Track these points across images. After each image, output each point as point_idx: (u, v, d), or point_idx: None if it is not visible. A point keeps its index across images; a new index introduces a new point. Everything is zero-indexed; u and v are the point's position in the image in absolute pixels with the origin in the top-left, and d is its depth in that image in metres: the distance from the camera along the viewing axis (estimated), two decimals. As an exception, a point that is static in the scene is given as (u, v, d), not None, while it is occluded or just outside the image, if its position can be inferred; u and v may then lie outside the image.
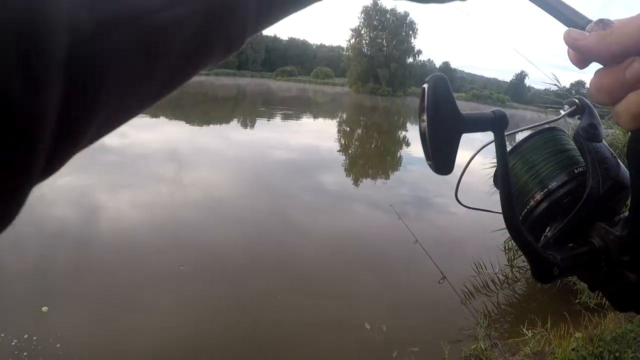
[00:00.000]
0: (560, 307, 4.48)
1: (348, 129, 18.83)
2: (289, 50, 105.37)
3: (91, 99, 0.23)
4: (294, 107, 27.01)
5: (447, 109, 0.42)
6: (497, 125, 0.45)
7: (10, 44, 0.18)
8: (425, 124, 0.41)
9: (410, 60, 59.67)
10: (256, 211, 6.48)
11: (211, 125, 16.17)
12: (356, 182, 9.19)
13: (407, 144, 15.38)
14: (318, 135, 15.12)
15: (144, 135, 12.20)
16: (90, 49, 0.22)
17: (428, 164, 0.44)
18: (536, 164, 0.57)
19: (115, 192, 6.91)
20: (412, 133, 18.03)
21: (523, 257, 5.25)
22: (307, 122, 19.24)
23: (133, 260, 4.64)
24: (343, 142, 14.66)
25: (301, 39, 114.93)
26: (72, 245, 4.92)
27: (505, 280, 5.01)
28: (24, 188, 0.22)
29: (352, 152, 13.05)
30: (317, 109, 27.69)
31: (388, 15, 58.57)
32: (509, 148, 0.52)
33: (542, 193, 0.55)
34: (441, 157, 0.43)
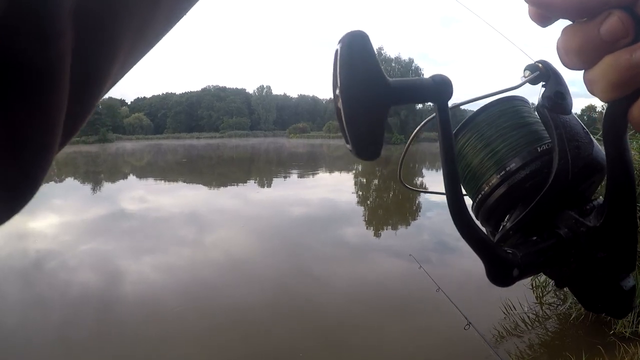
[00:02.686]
0: (594, 341, 4.37)
1: (364, 180, 18.86)
2: (299, 106, 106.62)
3: (108, 37, 0.24)
4: (309, 163, 27.25)
5: (367, 75, 0.33)
6: (438, 94, 0.37)
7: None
8: (339, 99, 0.33)
9: (420, 106, 59.98)
10: (277, 268, 6.46)
11: (228, 186, 16.30)
12: (376, 232, 9.15)
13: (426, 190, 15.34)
14: (335, 189, 15.16)
15: (163, 199, 12.40)
16: None
17: (348, 149, 0.35)
18: (491, 141, 0.48)
19: (137, 256, 6.97)
20: (429, 178, 18.04)
21: (552, 294, 5.19)
22: (324, 177, 19.34)
23: (156, 323, 4.63)
24: (360, 193, 14.68)
25: (311, 95, 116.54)
26: (95, 310, 4.95)
27: (536, 319, 4.90)
28: (55, 125, 0.23)
29: (370, 203, 13.06)
30: (332, 163, 27.86)
31: (393, 64, 59.62)
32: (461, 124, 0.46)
33: (499, 176, 0.46)
34: (363, 138, 0.34)
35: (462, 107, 0.49)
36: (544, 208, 0.44)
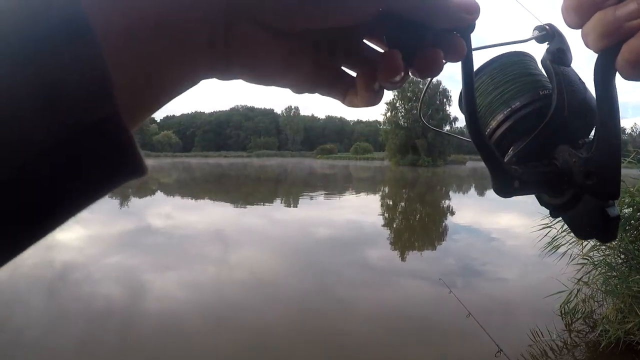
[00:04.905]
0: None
1: (391, 202, 18.79)
2: (326, 128, 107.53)
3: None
4: (336, 185, 27.27)
5: None
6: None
7: None
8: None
9: (447, 128, 60.03)
10: (302, 289, 6.45)
11: (255, 205, 16.39)
12: (402, 255, 9.07)
13: (452, 213, 15.22)
14: (361, 210, 15.13)
15: (189, 216, 12.49)
16: None
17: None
18: (501, 84, 0.55)
19: (162, 272, 7.01)
20: (455, 201, 17.90)
21: (581, 321, 5.09)
22: (350, 199, 19.31)
23: (178, 340, 4.63)
24: (387, 216, 14.61)
25: (338, 116, 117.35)
26: (118, 324, 4.97)
27: (565, 346, 4.79)
28: None
29: (396, 225, 12.98)
30: (359, 185, 27.84)
31: (421, 86, 59.58)
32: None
33: (505, 112, 0.53)
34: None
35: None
36: (543, 140, 0.51)
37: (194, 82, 0.33)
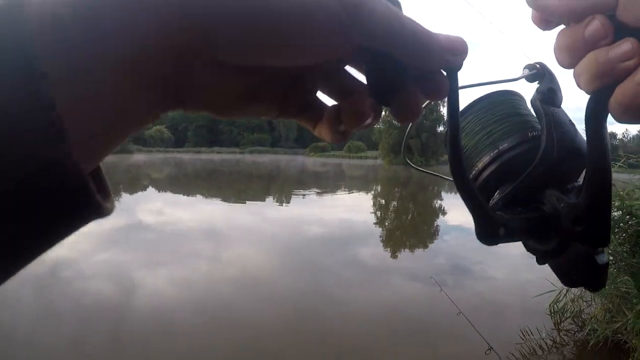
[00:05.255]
0: (612, 368, 4.31)
1: (383, 201, 18.81)
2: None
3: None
4: (328, 182, 27.24)
5: None
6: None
7: None
8: None
9: (441, 129, 59.98)
10: (293, 288, 6.46)
11: (247, 202, 16.34)
12: (394, 254, 9.09)
13: (444, 213, 15.25)
14: (354, 209, 15.12)
15: (181, 213, 12.44)
16: None
17: None
18: (488, 124, 0.53)
19: (153, 269, 7.01)
20: (447, 202, 17.91)
21: (570, 320, 5.13)
22: (342, 197, 19.30)
23: (169, 337, 4.64)
24: (379, 214, 14.62)
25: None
26: (108, 321, 4.97)
27: (554, 345, 4.84)
28: None
29: (388, 224, 13.00)
30: (352, 183, 27.84)
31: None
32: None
33: (492, 154, 0.52)
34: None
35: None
36: (530, 184, 0.49)
37: (156, 118, 0.30)
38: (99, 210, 0.26)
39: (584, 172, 0.46)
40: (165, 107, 0.30)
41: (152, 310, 5.30)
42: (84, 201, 0.24)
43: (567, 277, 0.49)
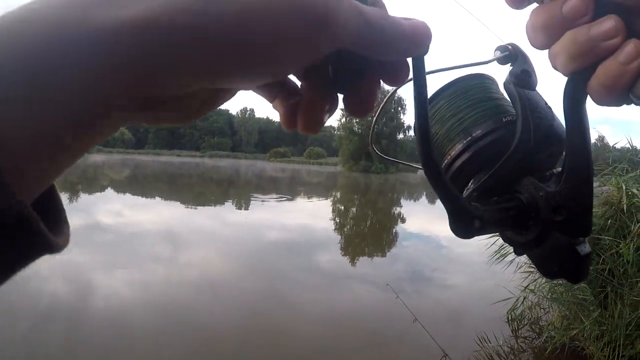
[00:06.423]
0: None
1: (342, 207, 18.86)
2: (281, 131, 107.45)
3: None
4: (288, 188, 27.23)
5: None
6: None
7: None
8: None
9: (401, 136, 60.79)
10: (251, 291, 6.39)
11: (206, 206, 16.20)
12: (352, 260, 9.11)
13: (403, 220, 15.38)
14: (313, 215, 15.13)
15: (140, 215, 12.27)
16: None
17: None
18: (459, 110, 0.50)
19: (110, 271, 6.84)
20: (407, 208, 18.11)
21: (528, 327, 5.21)
22: (302, 202, 19.30)
23: (126, 340, 4.53)
24: (338, 221, 14.65)
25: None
26: (64, 324, 4.82)
27: (511, 352, 4.90)
28: None
29: (347, 230, 13.03)
30: (312, 189, 27.84)
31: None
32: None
33: (464, 142, 0.48)
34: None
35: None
36: (506, 172, 0.46)
37: (115, 129, 0.27)
38: (50, 245, 0.23)
39: (562, 158, 0.44)
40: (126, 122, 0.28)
41: (109, 312, 5.17)
42: (23, 234, 0.21)
43: (547, 268, 0.47)
